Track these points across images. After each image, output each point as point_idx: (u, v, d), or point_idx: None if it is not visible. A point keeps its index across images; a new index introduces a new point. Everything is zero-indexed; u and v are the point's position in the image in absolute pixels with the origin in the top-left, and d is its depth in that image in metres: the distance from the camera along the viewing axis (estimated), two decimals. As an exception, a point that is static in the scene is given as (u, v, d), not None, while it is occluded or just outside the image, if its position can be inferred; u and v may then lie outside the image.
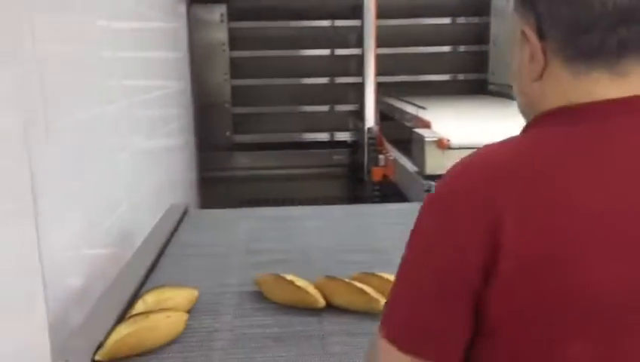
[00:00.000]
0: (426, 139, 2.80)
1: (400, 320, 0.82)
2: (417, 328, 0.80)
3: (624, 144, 0.79)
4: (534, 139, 0.84)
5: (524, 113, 0.93)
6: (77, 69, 1.96)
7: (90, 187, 2.04)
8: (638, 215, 0.75)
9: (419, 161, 2.94)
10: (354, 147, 5.53)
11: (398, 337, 0.80)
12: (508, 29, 0.96)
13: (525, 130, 0.89)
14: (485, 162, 0.83)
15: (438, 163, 2.78)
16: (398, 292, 0.84)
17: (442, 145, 2.72)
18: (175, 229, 2.33)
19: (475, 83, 5.67)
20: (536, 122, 0.88)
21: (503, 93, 4.87)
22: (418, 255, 0.82)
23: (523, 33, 0.86)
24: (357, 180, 5.17)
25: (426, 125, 3.10)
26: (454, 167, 0.85)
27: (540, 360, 0.78)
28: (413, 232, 0.83)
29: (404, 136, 3.87)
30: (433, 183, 2.81)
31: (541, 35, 0.84)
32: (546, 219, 0.75)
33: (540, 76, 0.85)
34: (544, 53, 0.84)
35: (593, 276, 0.74)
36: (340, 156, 5.60)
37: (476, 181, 0.80)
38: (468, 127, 3.11)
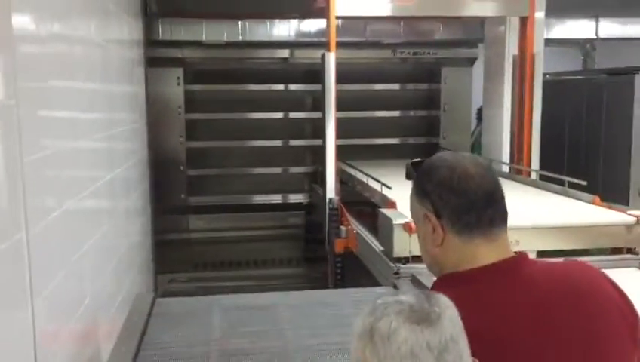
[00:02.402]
0: (395, 223, 2.85)
1: None
2: None
3: (498, 298, 1.18)
4: None
5: (430, 268, 1.32)
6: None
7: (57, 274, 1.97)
8: (511, 343, 1.13)
9: (386, 242, 2.99)
10: (309, 208, 5.57)
11: None
12: (412, 210, 1.31)
13: (435, 287, 1.26)
14: None
15: (405, 245, 2.83)
16: None
17: (410, 229, 2.78)
18: (146, 325, 2.27)
19: (426, 146, 5.84)
20: (441, 282, 1.26)
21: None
22: None
23: (425, 214, 1.24)
24: (314, 241, 5.18)
25: (392, 205, 3.16)
26: None
27: None
28: None
29: (365, 203, 3.93)
30: (402, 265, 2.85)
31: (438, 215, 1.23)
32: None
33: (441, 244, 1.23)
34: (442, 227, 1.23)
35: None
36: (295, 218, 5.63)
37: None
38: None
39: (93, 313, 2.45)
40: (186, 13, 5.06)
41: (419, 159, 1.33)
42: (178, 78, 5.28)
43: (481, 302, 1.16)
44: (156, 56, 4.98)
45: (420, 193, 1.26)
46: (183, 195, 5.42)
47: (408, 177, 1.33)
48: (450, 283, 1.23)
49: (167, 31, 5.02)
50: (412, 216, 1.32)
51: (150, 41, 4.87)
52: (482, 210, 1.20)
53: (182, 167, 5.40)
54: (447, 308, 0.99)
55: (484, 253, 1.21)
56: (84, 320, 2.29)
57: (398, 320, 0.97)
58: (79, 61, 2.50)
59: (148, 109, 4.83)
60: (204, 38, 5.10)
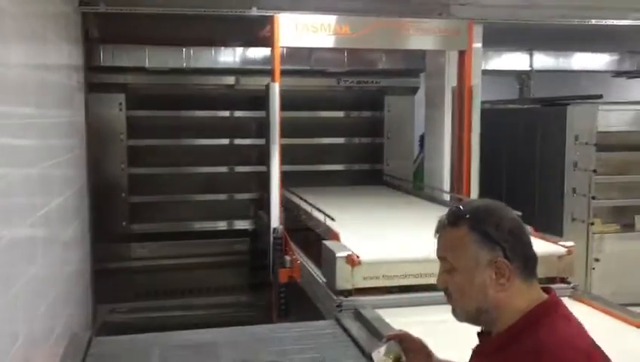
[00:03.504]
0: (337, 256, 2.86)
1: None
2: None
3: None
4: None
5: (479, 313, 1.35)
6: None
7: None
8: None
9: (329, 274, 3.00)
10: (254, 235, 5.53)
11: None
12: (464, 256, 1.34)
13: (529, 327, 1.32)
14: None
15: (347, 277, 2.85)
16: None
17: (353, 262, 2.81)
18: (82, 368, 2.20)
19: (370, 172, 5.92)
20: (531, 320, 1.31)
21: (395, 185, 5.42)
22: None
23: (491, 261, 1.32)
24: (259, 268, 5.13)
25: (335, 236, 3.18)
26: None
27: None
28: None
29: (311, 230, 3.93)
30: (344, 298, 2.86)
31: (509, 261, 1.32)
32: None
33: (507, 288, 1.32)
34: (511, 272, 1.32)
35: None
36: (240, 245, 5.58)
37: None
38: (374, 238, 3.26)
39: (27, 354, 2.36)
40: (129, 39, 4.99)
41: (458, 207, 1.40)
42: (120, 103, 5.19)
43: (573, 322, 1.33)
44: (98, 81, 4.90)
45: (487, 240, 1.33)
46: (124, 223, 5.30)
47: (454, 224, 1.36)
48: (549, 315, 1.32)
49: (109, 56, 4.94)
50: (459, 262, 1.35)
51: (91, 67, 4.78)
52: (536, 257, 1.37)
53: (124, 194, 5.29)
54: None
55: (540, 294, 1.36)
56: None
57: None
58: (11, 87, 2.43)
59: (88, 135, 4.73)
60: (147, 64, 5.04)
